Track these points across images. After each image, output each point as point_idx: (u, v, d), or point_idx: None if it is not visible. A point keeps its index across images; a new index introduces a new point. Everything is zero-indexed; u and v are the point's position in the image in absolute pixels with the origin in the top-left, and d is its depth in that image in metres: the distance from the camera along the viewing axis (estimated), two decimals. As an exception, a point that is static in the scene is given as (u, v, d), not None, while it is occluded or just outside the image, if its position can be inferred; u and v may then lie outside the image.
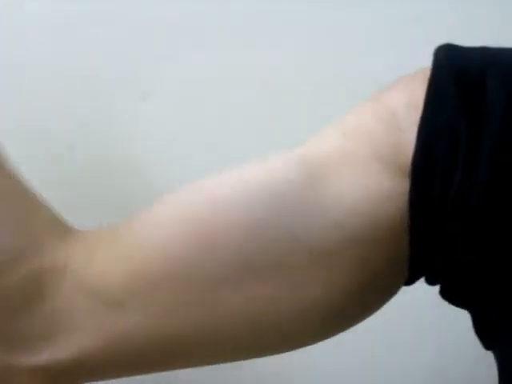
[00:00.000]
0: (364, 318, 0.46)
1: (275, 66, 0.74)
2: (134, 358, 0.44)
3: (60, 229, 0.46)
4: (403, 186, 0.42)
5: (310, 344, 0.46)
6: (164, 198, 0.45)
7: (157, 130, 0.74)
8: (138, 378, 0.46)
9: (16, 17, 0.74)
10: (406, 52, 0.72)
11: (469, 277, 0.43)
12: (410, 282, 0.45)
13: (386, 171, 0.42)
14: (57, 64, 0.76)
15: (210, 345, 0.44)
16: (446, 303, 0.46)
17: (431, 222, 0.42)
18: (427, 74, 0.43)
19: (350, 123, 0.45)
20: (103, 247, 0.44)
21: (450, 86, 0.42)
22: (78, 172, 0.76)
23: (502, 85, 0.41)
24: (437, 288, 0.45)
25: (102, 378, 0.46)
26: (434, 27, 0.71)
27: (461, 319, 0.46)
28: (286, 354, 0.46)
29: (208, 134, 0.72)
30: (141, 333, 0.43)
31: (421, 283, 0.46)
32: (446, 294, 0.45)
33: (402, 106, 0.43)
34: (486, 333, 0.45)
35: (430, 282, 0.45)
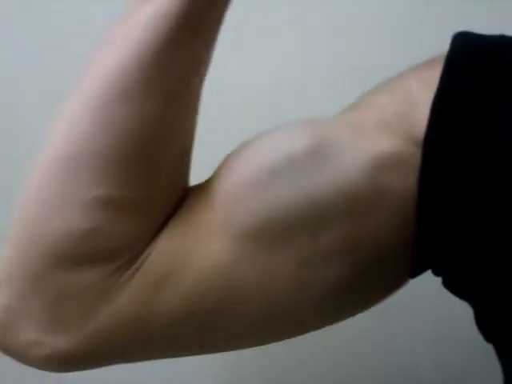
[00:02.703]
0: (371, 303, 0.46)
1: (275, 66, 0.74)
2: (162, 338, 0.44)
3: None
4: (414, 155, 0.42)
5: (319, 326, 0.47)
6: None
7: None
8: None
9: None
10: (405, 52, 0.72)
11: (473, 262, 0.43)
12: (414, 269, 0.45)
13: (395, 139, 0.43)
14: (56, 64, 0.76)
15: (226, 320, 0.44)
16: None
17: (440, 198, 0.42)
18: (443, 57, 0.44)
19: (365, 99, 0.46)
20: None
21: (465, 67, 0.43)
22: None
23: None
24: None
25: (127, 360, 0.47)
26: (434, 27, 0.72)
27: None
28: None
29: (208, 135, 0.72)
30: (173, 312, 0.44)
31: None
32: (448, 284, 0.45)
33: (416, 84, 0.44)
34: (487, 325, 0.45)
35: (434, 270, 0.45)
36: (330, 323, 0.47)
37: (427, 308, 0.75)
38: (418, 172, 0.42)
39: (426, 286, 0.51)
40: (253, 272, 0.43)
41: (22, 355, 0.44)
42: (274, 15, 0.73)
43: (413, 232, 0.43)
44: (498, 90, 0.42)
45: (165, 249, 0.44)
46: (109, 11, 0.63)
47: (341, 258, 0.43)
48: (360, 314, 0.47)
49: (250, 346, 0.47)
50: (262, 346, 0.47)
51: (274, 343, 0.47)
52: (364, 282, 0.45)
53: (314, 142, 0.43)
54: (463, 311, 0.46)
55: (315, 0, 0.73)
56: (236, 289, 0.43)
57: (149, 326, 0.44)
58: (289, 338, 0.47)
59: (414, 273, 0.45)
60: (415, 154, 0.43)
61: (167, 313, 0.43)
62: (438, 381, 0.78)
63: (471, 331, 0.45)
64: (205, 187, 0.46)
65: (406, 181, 0.43)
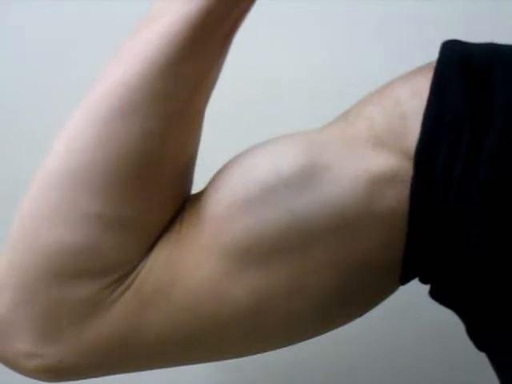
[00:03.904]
0: (362, 311, 0.46)
1: (275, 66, 0.74)
2: (147, 349, 0.45)
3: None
4: (406, 171, 0.42)
5: (311, 336, 0.47)
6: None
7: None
8: None
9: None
10: (405, 52, 0.72)
11: (463, 276, 0.43)
12: (404, 278, 0.45)
13: (386, 154, 0.43)
14: (57, 64, 0.76)
15: (213, 336, 0.44)
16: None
17: (431, 211, 0.42)
18: (432, 66, 0.43)
19: (354, 111, 0.46)
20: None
21: (455, 76, 0.42)
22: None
23: (506, 81, 0.42)
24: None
25: (118, 372, 0.47)
26: (434, 27, 0.71)
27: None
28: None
29: (208, 134, 0.72)
30: (162, 326, 0.44)
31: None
32: (436, 294, 0.45)
33: (405, 94, 0.44)
34: (479, 334, 0.45)
35: (423, 279, 0.45)
36: (323, 332, 0.47)
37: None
38: (409, 185, 0.42)
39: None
40: (241, 289, 0.43)
41: (14, 364, 0.45)
42: (273, 15, 0.73)
43: (404, 244, 0.43)
44: (489, 101, 0.42)
45: (155, 266, 0.44)
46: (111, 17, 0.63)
47: (330, 270, 0.43)
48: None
49: (243, 356, 0.48)
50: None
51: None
52: (356, 291, 0.45)
53: (305, 160, 0.43)
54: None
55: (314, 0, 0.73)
56: (225, 306, 0.43)
57: (139, 341, 0.44)
58: (283, 347, 0.47)
59: (405, 281, 0.45)
60: (406, 168, 0.42)
61: (156, 328, 0.44)
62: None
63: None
64: (197, 203, 0.45)
65: (399, 195, 0.42)
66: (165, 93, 0.42)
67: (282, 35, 0.74)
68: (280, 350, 0.47)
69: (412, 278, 0.45)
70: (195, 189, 0.47)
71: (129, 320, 0.43)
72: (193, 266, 0.43)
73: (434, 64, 0.44)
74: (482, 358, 0.46)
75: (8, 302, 0.43)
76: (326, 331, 0.47)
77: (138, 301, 0.43)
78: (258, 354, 0.47)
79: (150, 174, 0.43)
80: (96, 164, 0.42)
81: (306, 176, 0.43)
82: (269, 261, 0.43)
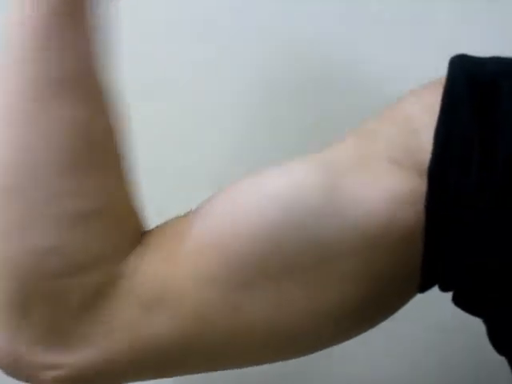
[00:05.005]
0: (378, 322, 0.46)
1: (276, 66, 0.74)
2: (157, 360, 0.44)
3: (137, 236, 0.46)
4: (420, 187, 0.43)
5: (324, 347, 0.47)
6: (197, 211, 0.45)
7: (157, 130, 0.74)
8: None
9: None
10: (405, 53, 0.72)
11: (483, 283, 0.43)
12: (423, 287, 0.45)
13: (402, 173, 0.43)
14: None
15: (228, 348, 0.44)
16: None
17: (447, 224, 0.42)
18: (442, 81, 0.44)
19: (367, 129, 0.46)
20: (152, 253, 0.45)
21: (464, 92, 0.43)
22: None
23: None
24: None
25: (125, 381, 0.47)
26: (434, 27, 0.71)
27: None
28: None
29: (208, 135, 0.72)
30: (168, 335, 0.43)
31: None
32: (458, 301, 0.45)
33: (417, 110, 0.44)
34: (500, 338, 0.45)
35: (443, 288, 0.45)
36: (340, 342, 0.47)
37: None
38: (424, 201, 0.42)
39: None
40: (259, 309, 0.43)
41: (32, 379, 0.44)
42: (274, 16, 0.73)
43: (422, 256, 0.43)
44: (497, 115, 0.42)
45: (151, 273, 0.44)
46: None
47: (350, 285, 0.43)
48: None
49: (256, 365, 0.48)
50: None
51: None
52: (374, 305, 0.45)
53: (324, 180, 0.43)
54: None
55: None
56: (239, 325, 0.44)
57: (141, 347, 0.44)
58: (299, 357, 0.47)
59: (423, 289, 0.45)
60: (420, 184, 0.43)
61: (161, 332, 0.44)
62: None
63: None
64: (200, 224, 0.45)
65: (416, 210, 0.43)
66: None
67: (283, 36, 0.74)
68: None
69: (431, 286, 0.45)
70: (201, 194, 0.47)
71: (129, 327, 0.43)
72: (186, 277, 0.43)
73: (444, 80, 0.44)
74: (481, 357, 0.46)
75: (8, 322, 0.43)
76: (341, 342, 0.47)
77: (138, 307, 0.43)
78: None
79: (89, 156, 0.43)
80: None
81: (326, 196, 0.43)
82: (286, 278, 0.43)
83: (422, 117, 0.44)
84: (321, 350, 0.47)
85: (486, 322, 0.46)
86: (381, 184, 0.43)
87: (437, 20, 0.70)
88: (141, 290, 0.43)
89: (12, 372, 0.45)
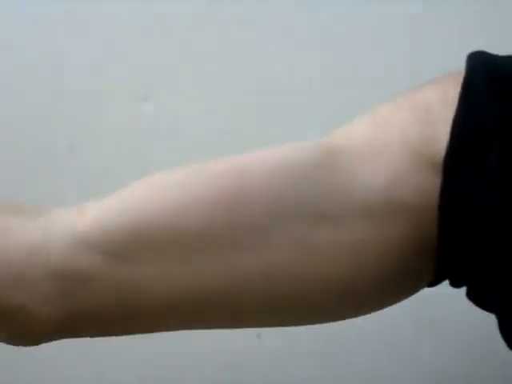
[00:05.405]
0: (383, 307, 0.46)
1: (276, 66, 0.74)
2: (140, 311, 0.43)
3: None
4: (433, 179, 0.42)
5: (324, 321, 0.46)
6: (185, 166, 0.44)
7: (157, 130, 0.74)
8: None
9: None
10: (404, 53, 0.72)
11: (497, 279, 0.43)
12: (434, 282, 0.45)
13: (416, 162, 0.43)
14: (56, 65, 0.76)
15: (223, 306, 0.44)
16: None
17: (461, 219, 0.42)
18: (461, 74, 0.44)
19: (384, 113, 0.46)
20: (94, 204, 0.43)
21: (483, 86, 0.43)
22: (78, 172, 0.76)
23: None
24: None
25: (107, 331, 0.45)
26: (434, 28, 0.71)
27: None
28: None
29: (208, 135, 0.72)
30: (150, 286, 0.42)
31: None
32: (472, 297, 0.45)
33: (436, 102, 0.44)
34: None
35: (455, 284, 0.45)
36: (354, 316, 0.46)
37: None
38: (436, 197, 0.42)
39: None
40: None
41: (28, 315, 0.42)
42: (274, 16, 0.73)
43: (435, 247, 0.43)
44: None
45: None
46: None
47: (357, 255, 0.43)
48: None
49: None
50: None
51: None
52: (394, 279, 0.44)
53: (325, 155, 0.43)
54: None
55: (304, 1, 0.73)
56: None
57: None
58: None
59: (433, 284, 0.45)
60: (432, 178, 0.43)
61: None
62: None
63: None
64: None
65: (425, 197, 0.42)
66: None
67: (283, 36, 0.74)
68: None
69: (441, 281, 0.45)
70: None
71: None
72: None
73: (463, 72, 0.44)
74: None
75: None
76: (340, 319, 0.46)
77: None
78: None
79: None
80: None
81: (332, 177, 0.42)
82: (284, 246, 0.42)
83: (441, 111, 0.43)
84: (322, 322, 0.46)
85: (499, 316, 0.45)
86: (391, 170, 0.43)
87: (437, 20, 0.71)
88: (101, 238, 0.42)
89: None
